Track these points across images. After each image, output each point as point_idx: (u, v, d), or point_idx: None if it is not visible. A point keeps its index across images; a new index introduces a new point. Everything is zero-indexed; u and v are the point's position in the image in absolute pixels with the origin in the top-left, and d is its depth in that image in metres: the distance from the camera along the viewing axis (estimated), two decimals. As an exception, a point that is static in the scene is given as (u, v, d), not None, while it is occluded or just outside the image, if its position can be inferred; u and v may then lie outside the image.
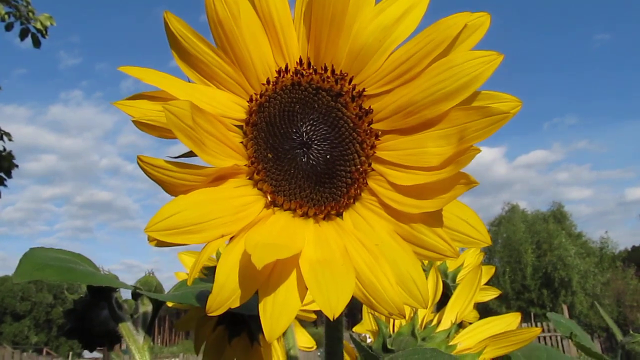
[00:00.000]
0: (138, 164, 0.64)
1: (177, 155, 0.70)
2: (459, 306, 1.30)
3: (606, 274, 34.86)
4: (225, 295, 0.62)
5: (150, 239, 0.64)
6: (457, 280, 1.66)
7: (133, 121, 0.66)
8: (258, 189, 0.73)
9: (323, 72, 0.73)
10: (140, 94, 0.70)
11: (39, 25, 9.73)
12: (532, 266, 33.55)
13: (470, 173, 0.63)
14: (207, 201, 0.66)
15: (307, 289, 0.62)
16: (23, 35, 9.66)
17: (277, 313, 0.62)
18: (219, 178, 0.69)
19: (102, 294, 1.27)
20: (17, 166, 10.47)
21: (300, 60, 0.74)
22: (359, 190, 0.72)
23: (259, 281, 0.63)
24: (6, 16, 9.52)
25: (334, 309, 0.59)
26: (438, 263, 1.64)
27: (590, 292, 32.95)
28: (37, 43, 9.80)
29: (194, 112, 0.63)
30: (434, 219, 0.67)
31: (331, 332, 0.85)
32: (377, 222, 0.70)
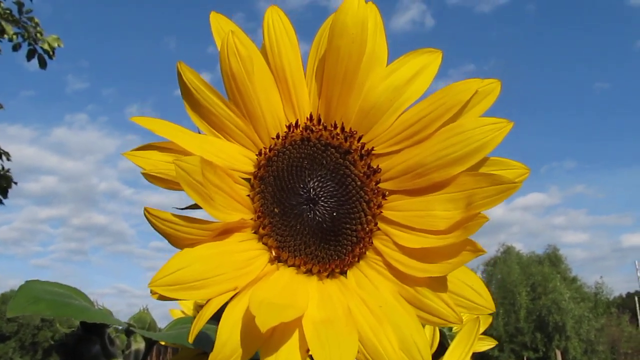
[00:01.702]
0: (145, 215, 0.63)
1: (183, 207, 0.70)
2: (456, 358, 1.29)
3: (601, 319, 34.56)
4: (226, 353, 0.61)
5: (152, 292, 0.64)
6: (454, 329, 1.64)
7: (142, 173, 0.66)
8: (263, 243, 0.72)
9: (333, 129, 0.74)
10: (150, 145, 0.70)
11: (46, 47, 9.79)
12: (526, 309, 33.26)
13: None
14: (212, 256, 0.66)
15: (309, 348, 0.62)
16: (30, 55, 9.73)
17: (278, 374, 0.61)
18: (225, 232, 0.69)
19: (94, 329, 1.25)
20: (15, 183, 10.42)
21: (311, 116, 0.75)
22: (364, 249, 0.72)
23: (261, 340, 0.62)
24: (14, 36, 9.60)
25: (336, 373, 0.59)
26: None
27: (585, 338, 32.61)
28: (43, 64, 9.86)
29: (204, 167, 0.63)
30: (439, 283, 0.66)
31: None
32: (382, 283, 0.70)
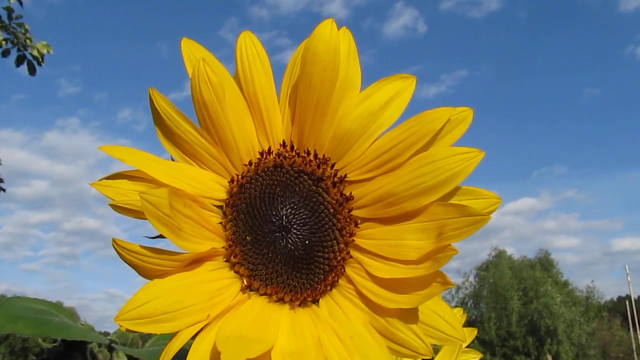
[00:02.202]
0: (113, 247, 0.63)
1: (154, 236, 0.69)
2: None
3: (592, 323, 34.67)
4: (194, 388, 0.60)
5: (120, 325, 0.63)
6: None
7: (110, 204, 0.65)
8: (235, 272, 0.72)
9: (306, 155, 0.73)
10: (120, 173, 0.70)
11: (35, 53, 9.74)
12: (518, 313, 33.32)
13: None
14: (182, 287, 0.65)
15: (278, 383, 0.61)
16: (19, 62, 9.66)
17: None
18: (196, 261, 0.68)
19: (76, 345, 1.25)
20: (4, 190, 10.35)
21: (284, 142, 0.74)
22: (336, 278, 0.72)
23: (229, 374, 0.61)
24: (3, 42, 9.54)
25: (303, 410, 0.58)
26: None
27: (576, 342, 32.70)
28: (32, 70, 9.80)
29: (172, 198, 0.62)
30: (410, 315, 0.66)
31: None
32: (353, 312, 0.70)
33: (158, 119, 0.72)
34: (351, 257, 0.72)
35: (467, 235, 0.63)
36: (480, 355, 1.72)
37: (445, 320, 0.67)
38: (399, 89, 0.71)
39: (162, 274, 0.65)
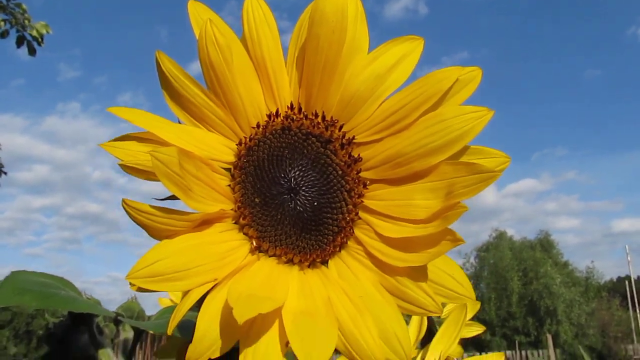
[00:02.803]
0: (123, 207, 0.63)
1: (163, 198, 0.69)
2: (444, 344, 1.30)
3: (591, 304, 34.84)
4: (205, 345, 0.61)
5: (131, 284, 0.63)
6: (442, 315, 1.65)
7: (119, 164, 0.65)
8: (244, 233, 0.72)
9: (314, 117, 0.73)
10: (128, 135, 0.70)
11: (34, 33, 9.69)
12: (518, 294, 33.47)
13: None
14: (192, 247, 0.65)
15: (288, 340, 0.62)
16: (19, 42, 9.62)
17: (257, 365, 0.61)
18: (205, 222, 0.68)
19: (82, 319, 1.25)
20: (5, 173, 10.37)
21: (292, 105, 0.74)
22: (345, 239, 0.72)
23: (240, 332, 0.62)
24: (2, 23, 9.49)
25: (315, 363, 0.59)
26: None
27: (575, 322, 32.88)
28: (32, 51, 9.76)
29: (182, 158, 0.62)
30: (419, 273, 0.66)
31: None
32: (363, 273, 0.70)
33: (165, 82, 0.72)
34: (360, 218, 0.72)
35: (476, 192, 0.63)
36: (483, 328, 1.74)
37: (454, 279, 0.67)
38: (406, 51, 0.71)
39: (171, 235, 0.65)
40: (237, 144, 0.74)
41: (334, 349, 0.61)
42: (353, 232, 0.72)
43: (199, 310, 0.65)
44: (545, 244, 36.64)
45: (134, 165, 0.65)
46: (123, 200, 0.63)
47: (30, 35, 9.76)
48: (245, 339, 0.62)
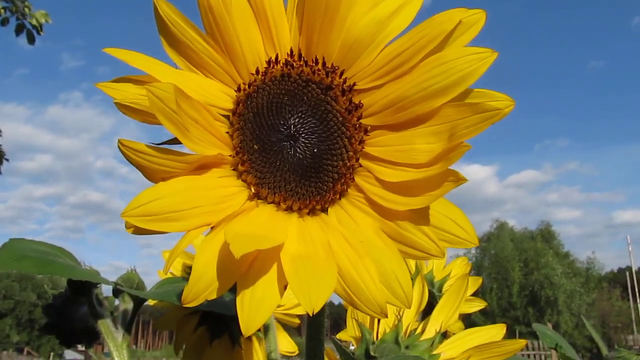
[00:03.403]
0: (118, 147, 0.62)
1: (160, 142, 0.68)
2: (444, 315, 1.29)
3: (592, 294, 34.95)
4: (202, 286, 0.60)
5: (127, 225, 0.62)
6: (443, 290, 1.64)
7: (115, 103, 0.64)
8: (242, 180, 0.71)
9: (314, 64, 0.71)
10: (126, 77, 0.68)
11: (34, 22, 9.67)
12: (519, 284, 33.58)
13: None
14: (189, 189, 0.64)
15: (287, 284, 0.61)
16: (18, 30, 9.61)
17: (254, 307, 0.60)
18: (202, 167, 0.67)
19: (82, 290, 1.23)
20: (7, 160, 10.36)
21: (291, 51, 0.72)
22: (345, 186, 0.71)
23: (237, 274, 0.61)
24: (2, 11, 9.46)
25: (314, 304, 0.57)
26: (425, 272, 1.63)
27: (576, 312, 32.99)
28: (31, 39, 9.74)
29: (179, 96, 0.61)
30: (421, 216, 0.65)
31: (312, 333, 0.82)
32: (363, 219, 0.69)
33: (163, 27, 0.70)
34: (360, 165, 0.71)
35: (479, 132, 0.62)
36: (485, 304, 1.73)
37: (456, 224, 0.66)
38: (408, -3, 0.69)
39: (168, 176, 0.64)
40: (235, 91, 0.72)
41: (332, 290, 0.59)
42: (353, 179, 0.71)
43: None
44: (546, 235, 36.71)
45: (130, 104, 0.64)
46: (119, 141, 0.62)
47: (30, 23, 9.74)
48: (242, 281, 0.61)
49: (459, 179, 0.61)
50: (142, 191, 0.61)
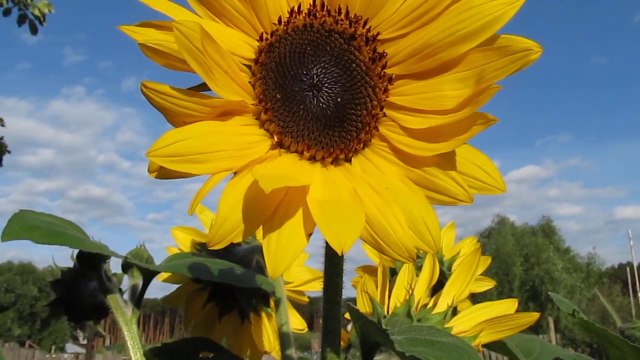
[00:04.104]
0: (141, 90, 0.60)
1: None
2: (456, 289, 1.28)
3: (592, 290, 34.96)
4: (228, 228, 0.59)
5: (150, 169, 0.61)
6: (452, 268, 1.64)
7: (139, 44, 0.63)
8: (265, 129, 0.70)
9: (337, 14, 0.70)
10: (148, 22, 0.67)
11: (37, 12, 9.65)
12: (520, 279, 33.61)
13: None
14: (213, 133, 0.63)
15: (313, 227, 0.60)
16: (20, 21, 9.59)
17: (281, 250, 0.59)
18: (225, 113, 0.66)
19: (91, 264, 1.22)
20: (9, 152, 10.37)
21: (314, 1, 0.72)
22: (369, 136, 0.70)
23: (263, 217, 0.60)
24: (4, 1, 9.45)
25: (343, 244, 0.57)
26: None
27: (576, 307, 32.97)
28: (34, 30, 9.72)
29: (204, 37, 0.60)
30: (448, 161, 0.64)
31: (329, 296, 0.81)
32: (388, 168, 0.68)
33: (184, -26, 0.69)
34: (385, 115, 0.70)
35: (508, 74, 0.61)
36: (494, 283, 1.72)
37: (484, 170, 0.65)
38: (433, -54, 0.68)
39: (190, 120, 0.63)
40: (257, 40, 0.71)
41: (360, 231, 0.59)
42: (377, 128, 0.70)
43: (209, 256, 0.61)
44: (547, 230, 36.73)
45: (154, 46, 0.63)
46: (142, 84, 0.61)
47: (32, 14, 9.72)
48: (268, 224, 0.60)
49: (488, 120, 0.60)
50: (166, 132, 0.60)
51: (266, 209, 0.59)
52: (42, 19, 9.71)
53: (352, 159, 0.70)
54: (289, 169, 0.65)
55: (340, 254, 0.56)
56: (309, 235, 0.61)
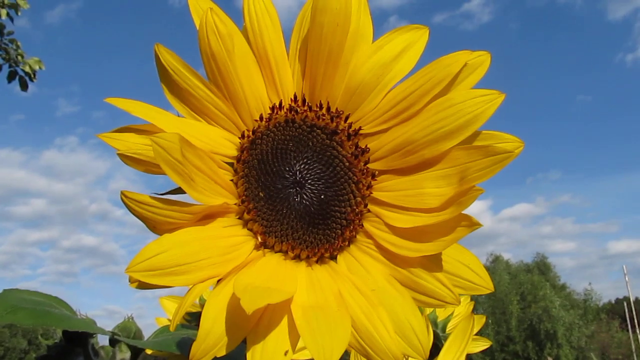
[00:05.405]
0: (121, 199, 0.60)
1: (163, 192, 0.66)
2: (451, 357, 1.26)
3: (591, 326, 34.63)
4: (211, 342, 0.57)
5: (131, 280, 0.60)
6: (447, 330, 1.61)
7: (118, 154, 0.62)
8: (248, 229, 0.69)
9: (318, 109, 0.71)
10: (128, 127, 0.67)
11: (27, 69, 9.71)
12: (517, 317, 33.25)
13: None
14: (194, 240, 0.62)
15: (299, 336, 0.58)
16: (11, 77, 9.64)
17: (266, 363, 0.57)
18: (207, 217, 0.65)
19: (77, 340, 1.20)
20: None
21: (295, 97, 0.72)
22: (354, 232, 0.69)
23: (247, 327, 0.58)
24: (-4, 58, 9.51)
25: (328, 357, 0.55)
26: (428, 312, 1.60)
27: (576, 345, 32.62)
28: (24, 86, 9.76)
29: (183, 146, 0.60)
30: (434, 263, 0.63)
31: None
32: (373, 266, 0.67)
33: (164, 74, 0.69)
34: (369, 211, 0.69)
35: (491, 175, 0.61)
36: (490, 343, 1.69)
37: (471, 269, 0.64)
38: (412, 40, 0.69)
39: (172, 228, 0.62)
40: (239, 138, 0.71)
41: (347, 343, 0.57)
42: (362, 225, 0.69)
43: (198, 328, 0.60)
44: (542, 267, 36.59)
45: (133, 155, 0.62)
46: (122, 193, 0.60)
47: (23, 70, 9.78)
48: (252, 335, 0.59)
49: (472, 224, 0.60)
50: (146, 245, 0.59)
51: (250, 319, 0.58)
52: (32, 75, 9.77)
53: (338, 256, 0.69)
54: (273, 275, 0.63)
55: (326, 368, 0.55)
56: (297, 340, 0.60)
